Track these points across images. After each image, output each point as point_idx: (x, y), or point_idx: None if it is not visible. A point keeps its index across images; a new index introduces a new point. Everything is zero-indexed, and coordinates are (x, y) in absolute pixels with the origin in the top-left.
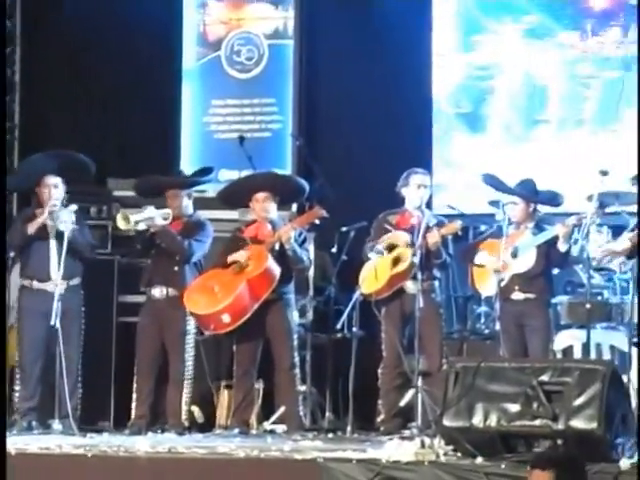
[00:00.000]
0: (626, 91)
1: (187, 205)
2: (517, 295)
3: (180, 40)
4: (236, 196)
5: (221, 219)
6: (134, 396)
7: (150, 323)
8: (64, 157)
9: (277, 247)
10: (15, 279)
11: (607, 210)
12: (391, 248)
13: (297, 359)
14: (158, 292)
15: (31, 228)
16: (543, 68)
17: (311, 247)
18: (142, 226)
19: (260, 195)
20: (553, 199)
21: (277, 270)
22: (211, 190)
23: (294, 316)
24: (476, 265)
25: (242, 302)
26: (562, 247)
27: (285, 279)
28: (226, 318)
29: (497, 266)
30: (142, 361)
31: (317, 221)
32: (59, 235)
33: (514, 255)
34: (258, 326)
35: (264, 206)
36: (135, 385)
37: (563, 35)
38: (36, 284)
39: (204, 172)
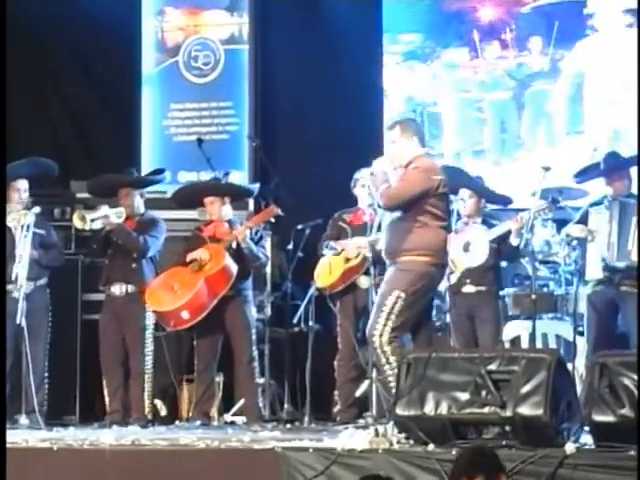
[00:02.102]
0: (529, 111)
1: (139, 204)
2: (468, 288)
3: (139, 46)
4: (187, 199)
5: (181, 219)
6: (105, 392)
7: (111, 320)
8: (30, 162)
9: (234, 245)
10: None
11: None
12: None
13: (256, 353)
14: (117, 289)
15: None
16: (430, 93)
17: (268, 245)
18: (98, 225)
19: (208, 199)
20: (505, 199)
21: (234, 267)
22: (171, 191)
23: (252, 311)
24: None
25: (201, 299)
26: (514, 241)
27: (243, 276)
28: (185, 315)
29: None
30: (106, 358)
31: (272, 219)
32: (23, 237)
33: (465, 249)
34: (218, 322)
35: (213, 209)
36: (104, 381)
37: (449, 54)
38: None
39: (156, 173)
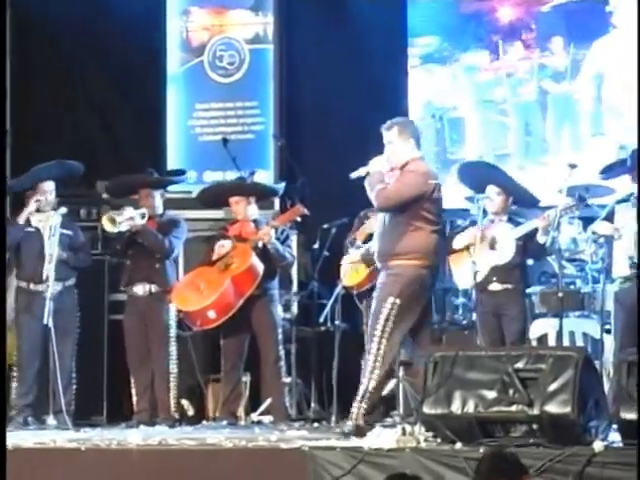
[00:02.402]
0: (553, 113)
1: (159, 204)
2: (495, 286)
3: (164, 46)
4: (212, 199)
5: (207, 218)
6: (133, 391)
7: (135, 320)
8: (57, 165)
9: (260, 245)
10: (12, 281)
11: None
12: (370, 238)
13: (282, 352)
14: (141, 289)
15: (21, 219)
16: (450, 97)
17: (294, 244)
18: (125, 226)
19: (233, 199)
20: (534, 199)
21: (261, 267)
22: (196, 191)
23: (278, 311)
24: (455, 251)
25: (227, 299)
26: (541, 239)
27: (269, 275)
28: (212, 314)
29: (474, 242)
30: (133, 358)
31: (298, 218)
32: (51, 237)
33: (492, 247)
34: (244, 321)
35: (238, 208)
36: (132, 381)
37: (468, 56)
38: (32, 286)
39: (177, 173)
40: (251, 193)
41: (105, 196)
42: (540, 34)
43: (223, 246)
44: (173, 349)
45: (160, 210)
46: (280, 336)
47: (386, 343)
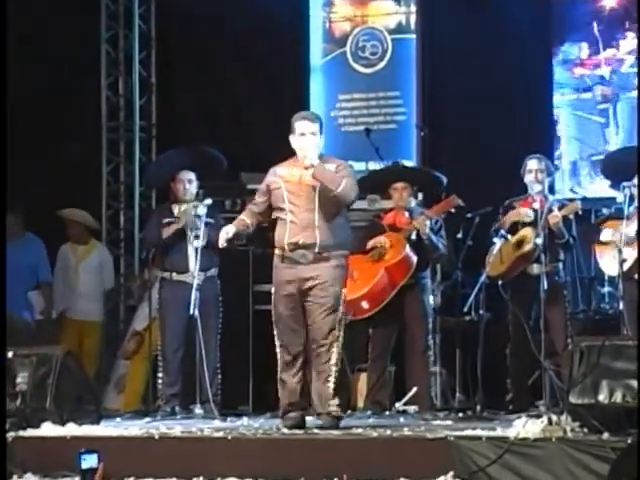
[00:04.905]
0: None
1: None
2: None
3: (307, 37)
4: (375, 184)
5: (352, 208)
6: None
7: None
8: (197, 152)
9: (414, 235)
10: (156, 272)
11: None
12: (514, 227)
13: (431, 342)
14: None
15: (166, 233)
16: None
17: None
18: None
19: (399, 184)
20: None
21: (414, 258)
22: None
23: (430, 300)
24: (601, 243)
25: (380, 289)
26: None
27: (422, 265)
28: (365, 305)
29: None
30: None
31: (452, 210)
32: (196, 228)
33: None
34: (396, 310)
35: (402, 195)
36: None
37: (564, 49)
38: (175, 276)
39: None
40: (421, 178)
41: (250, 187)
42: None
43: (376, 247)
44: None
45: None
46: (430, 325)
47: (342, 335)
